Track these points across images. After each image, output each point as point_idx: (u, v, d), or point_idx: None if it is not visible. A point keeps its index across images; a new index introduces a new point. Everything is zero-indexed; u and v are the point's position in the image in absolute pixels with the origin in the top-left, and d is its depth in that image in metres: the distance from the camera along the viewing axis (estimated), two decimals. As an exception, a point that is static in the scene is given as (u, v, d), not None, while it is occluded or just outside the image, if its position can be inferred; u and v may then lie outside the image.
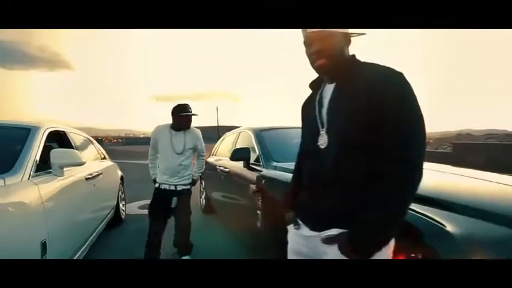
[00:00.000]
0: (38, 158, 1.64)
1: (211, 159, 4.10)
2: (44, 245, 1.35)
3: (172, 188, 2.25)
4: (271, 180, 1.85)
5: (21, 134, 1.73)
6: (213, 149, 4.41)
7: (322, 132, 0.87)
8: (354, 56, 0.89)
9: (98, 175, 2.57)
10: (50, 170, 1.70)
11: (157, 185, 2.30)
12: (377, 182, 0.73)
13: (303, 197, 0.95)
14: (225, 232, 3.18)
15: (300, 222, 0.95)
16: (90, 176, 2.33)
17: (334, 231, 0.81)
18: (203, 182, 4.36)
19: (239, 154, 2.27)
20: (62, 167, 1.74)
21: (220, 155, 3.70)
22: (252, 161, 2.30)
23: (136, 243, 2.06)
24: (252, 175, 2.14)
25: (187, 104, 2.25)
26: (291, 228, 1.01)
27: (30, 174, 1.48)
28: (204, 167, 2.54)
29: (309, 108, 0.97)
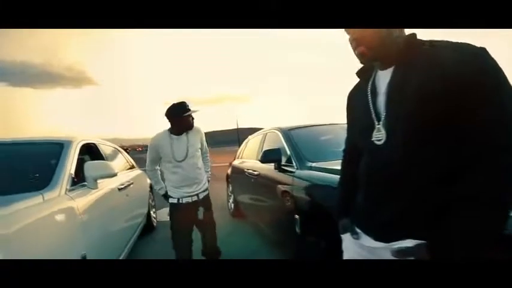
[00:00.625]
0: (72, 171, 1.65)
1: (236, 163, 4.04)
2: (84, 259, 1.34)
3: (195, 198, 1.98)
4: (306, 181, 1.73)
5: (55, 149, 1.75)
6: (238, 152, 4.35)
7: (379, 126, 0.75)
8: (413, 35, 0.76)
9: (129, 185, 2.58)
10: (85, 183, 1.71)
11: (174, 200, 1.98)
12: (467, 179, 0.60)
13: (360, 202, 0.83)
14: (257, 237, 3.09)
15: (359, 231, 0.83)
16: (122, 186, 2.34)
17: (408, 243, 0.68)
18: (230, 185, 4.32)
19: (270, 156, 2.17)
20: (95, 180, 1.75)
21: (247, 157, 3.62)
22: (283, 162, 2.19)
23: (170, 249, 2.00)
24: (284, 177, 2.04)
25: (184, 102, 1.93)
26: (346, 237, 0.89)
27: (66, 189, 1.49)
28: (209, 167, 2.25)
29: (358, 100, 0.85)
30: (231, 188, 4.28)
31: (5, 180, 1.55)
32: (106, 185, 1.99)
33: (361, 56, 0.77)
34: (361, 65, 0.84)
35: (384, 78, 0.77)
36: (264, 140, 2.98)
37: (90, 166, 1.73)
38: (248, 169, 3.03)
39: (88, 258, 1.37)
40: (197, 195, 1.99)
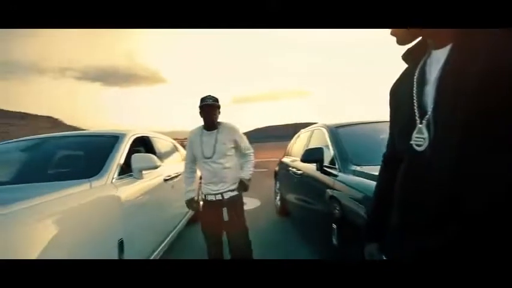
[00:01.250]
0: (122, 162, 1.80)
1: (285, 159, 3.93)
2: (121, 245, 1.45)
3: (219, 197, 1.89)
4: (349, 187, 1.53)
5: (111, 141, 1.95)
6: (287, 148, 4.23)
7: (421, 125, 0.57)
8: None
9: (176, 176, 2.74)
10: (132, 174, 1.85)
11: (202, 196, 1.99)
12: None
13: (394, 224, 0.66)
14: (298, 241, 2.96)
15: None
16: (168, 178, 2.49)
17: None
18: (277, 182, 4.25)
19: (311, 155, 2.01)
20: (140, 171, 1.88)
21: (294, 154, 3.48)
22: (326, 163, 2.01)
23: None
24: (326, 179, 1.86)
25: (208, 95, 1.90)
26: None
27: (113, 178, 1.63)
28: (251, 167, 2.05)
29: (401, 92, 0.66)
30: (278, 185, 4.20)
31: (62, 168, 1.79)
32: (153, 176, 2.14)
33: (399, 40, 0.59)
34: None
35: (437, 60, 0.58)
36: (311, 137, 2.80)
37: (136, 158, 1.87)
38: (293, 167, 2.90)
39: (125, 244, 1.48)
40: (221, 194, 1.90)
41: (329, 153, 2.02)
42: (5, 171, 1.84)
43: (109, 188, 1.53)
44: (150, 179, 2.09)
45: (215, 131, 1.92)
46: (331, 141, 2.10)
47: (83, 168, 1.78)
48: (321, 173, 1.99)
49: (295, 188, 2.77)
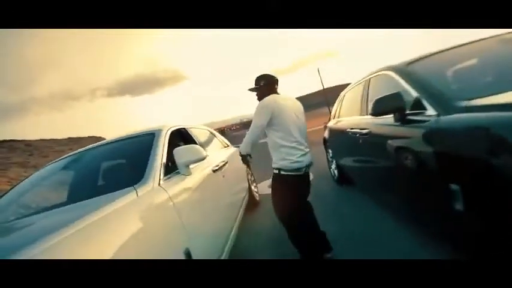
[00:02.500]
0: (164, 160, 1.56)
1: (334, 123, 3.48)
2: (188, 254, 1.22)
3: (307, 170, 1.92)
4: (460, 129, 1.10)
5: (148, 140, 1.71)
6: (333, 112, 3.76)
7: None
8: None
9: (224, 164, 2.49)
10: (178, 171, 1.61)
11: (292, 173, 1.79)
12: None
13: None
14: (379, 210, 2.57)
15: None
16: (217, 168, 2.24)
17: None
18: (329, 150, 3.83)
19: (388, 104, 1.57)
20: (187, 165, 1.64)
21: (346, 115, 3.01)
22: (408, 110, 1.55)
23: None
24: (413, 130, 1.43)
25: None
26: None
27: (160, 179, 1.39)
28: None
29: None
30: (331, 152, 3.79)
31: (105, 179, 1.60)
32: (199, 169, 1.89)
33: None
34: None
35: None
36: (368, 89, 2.32)
37: (180, 152, 1.61)
38: (352, 128, 2.46)
39: (192, 252, 1.25)
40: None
41: (407, 99, 1.56)
42: (51, 193, 1.73)
43: (157, 192, 1.29)
44: (199, 173, 1.83)
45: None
46: (408, 82, 1.62)
47: (126, 175, 1.57)
48: (403, 124, 1.55)
49: (360, 150, 2.35)
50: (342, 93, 3.49)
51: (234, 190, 2.68)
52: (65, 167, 1.93)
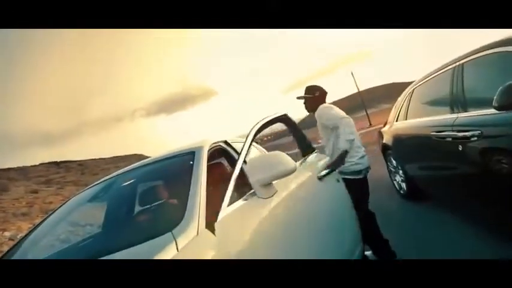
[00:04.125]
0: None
1: (397, 127, 2.90)
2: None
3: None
4: None
5: (186, 162, 1.35)
6: (394, 113, 3.16)
7: None
8: None
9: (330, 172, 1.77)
10: (249, 195, 1.16)
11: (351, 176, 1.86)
12: None
13: None
14: (467, 231, 1.93)
15: None
16: (325, 172, 1.66)
17: None
18: (393, 159, 3.21)
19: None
20: (269, 183, 1.15)
21: (422, 114, 2.40)
22: None
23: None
24: None
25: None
26: None
27: (211, 220, 0.99)
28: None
29: None
30: (395, 162, 3.16)
31: (136, 219, 1.26)
32: (286, 186, 1.33)
33: None
34: None
35: None
36: (463, 77, 1.75)
37: (254, 165, 1.15)
38: (441, 130, 1.89)
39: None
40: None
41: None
42: (81, 229, 1.46)
43: (205, 240, 0.89)
44: (282, 193, 1.27)
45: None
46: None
47: (163, 210, 1.23)
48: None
49: (456, 159, 1.77)
50: (406, 90, 2.89)
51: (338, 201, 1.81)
52: (98, 195, 1.66)
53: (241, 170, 1.18)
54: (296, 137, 1.92)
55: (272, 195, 1.13)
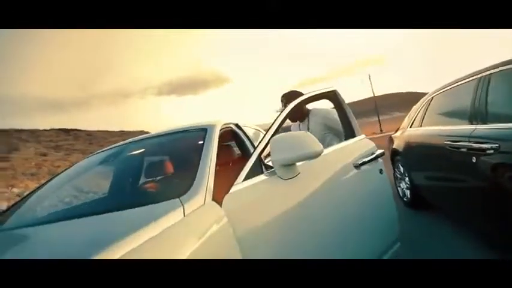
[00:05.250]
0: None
1: (410, 134, 2.85)
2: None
3: None
4: None
5: (198, 137, 1.36)
6: (408, 119, 3.11)
7: None
8: None
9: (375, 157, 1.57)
10: (268, 173, 1.11)
11: None
12: None
13: None
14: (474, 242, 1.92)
15: None
16: (363, 160, 1.44)
17: None
18: (400, 165, 3.18)
19: None
20: (293, 163, 1.09)
21: (439, 122, 2.36)
22: None
23: None
24: None
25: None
26: None
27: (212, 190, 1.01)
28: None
29: None
30: (402, 169, 3.13)
31: (147, 179, 1.28)
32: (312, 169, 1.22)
33: None
34: None
35: None
36: (488, 89, 1.70)
37: (279, 142, 1.07)
38: (456, 140, 1.85)
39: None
40: None
41: None
42: (91, 187, 1.49)
43: (211, 210, 0.91)
44: (306, 176, 1.17)
45: (306, 119, 2.01)
46: None
47: (171, 178, 1.25)
48: None
49: (468, 171, 1.74)
50: (425, 97, 2.84)
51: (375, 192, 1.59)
52: (106, 161, 1.69)
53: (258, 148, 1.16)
54: (342, 117, 1.68)
55: (293, 177, 1.09)
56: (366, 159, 1.47)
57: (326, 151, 1.31)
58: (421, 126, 2.70)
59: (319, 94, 1.56)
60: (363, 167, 1.43)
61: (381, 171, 1.56)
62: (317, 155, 1.08)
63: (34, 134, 20.46)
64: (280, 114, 1.29)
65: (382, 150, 1.66)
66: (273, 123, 1.25)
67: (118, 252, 0.64)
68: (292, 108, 1.40)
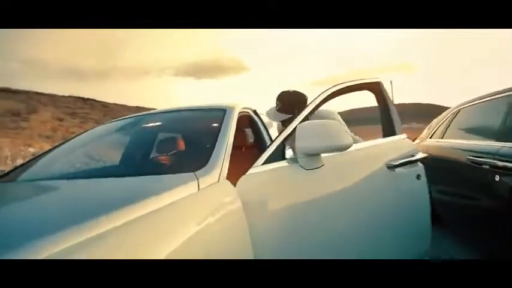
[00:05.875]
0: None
1: (431, 143, 2.76)
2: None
3: None
4: None
5: (216, 117, 1.35)
6: (430, 130, 3.00)
7: None
8: None
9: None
10: (290, 160, 1.06)
11: None
12: None
13: None
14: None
15: None
16: (399, 162, 1.31)
17: None
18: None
19: None
20: (318, 154, 1.03)
21: (463, 136, 2.26)
22: None
23: None
24: None
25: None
26: None
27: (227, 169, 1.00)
28: None
29: None
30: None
31: (161, 153, 1.28)
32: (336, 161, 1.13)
33: None
34: None
35: None
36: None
37: (306, 129, 1.01)
38: (480, 156, 1.77)
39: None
40: None
41: None
42: (104, 153, 1.51)
43: (227, 189, 0.90)
44: (331, 169, 1.10)
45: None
46: None
47: (185, 154, 1.24)
48: None
49: (482, 189, 1.68)
50: (451, 109, 2.72)
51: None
52: (121, 130, 1.70)
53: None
54: (383, 112, 1.54)
55: (316, 168, 1.03)
56: (403, 161, 1.33)
57: (357, 146, 1.23)
58: (442, 138, 2.61)
59: (362, 84, 1.42)
60: (397, 169, 1.29)
61: (418, 176, 1.39)
62: (345, 148, 1.01)
63: (53, 99, 21.05)
64: (314, 99, 1.20)
65: (426, 155, 1.50)
66: (307, 106, 1.20)
67: (130, 215, 0.63)
68: (297, 103, 1.34)
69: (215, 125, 1.26)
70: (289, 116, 1.52)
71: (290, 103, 1.58)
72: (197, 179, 0.84)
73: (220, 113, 1.37)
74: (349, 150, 1.07)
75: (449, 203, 2.30)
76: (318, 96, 1.25)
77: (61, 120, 14.98)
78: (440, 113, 2.97)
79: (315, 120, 1.06)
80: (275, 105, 1.67)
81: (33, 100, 16.95)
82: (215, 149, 1.04)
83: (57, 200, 0.85)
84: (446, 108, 2.99)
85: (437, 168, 2.50)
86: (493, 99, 1.98)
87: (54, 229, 0.53)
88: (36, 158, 1.50)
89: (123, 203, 0.65)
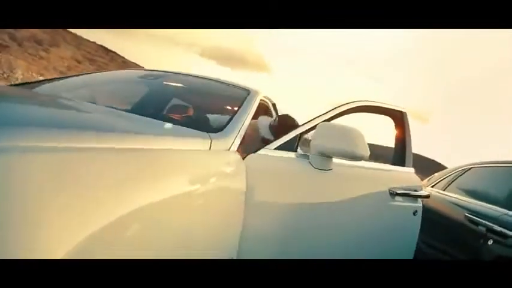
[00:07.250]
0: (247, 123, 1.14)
1: (431, 192, 2.73)
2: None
3: None
4: None
5: (240, 95, 1.34)
6: (433, 180, 2.97)
7: None
8: None
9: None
10: (301, 154, 1.07)
11: None
12: None
13: None
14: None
15: None
16: (401, 192, 1.32)
17: None
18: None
19: None
20: (327, 155, 1.03)
21: (466, 194, 2.24)
22: None
23: None
24: None
25: None
26: None
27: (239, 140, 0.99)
28: None
29: None
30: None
31: (178, 112, 1.27)
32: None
33: None
34: None
35: None
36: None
37: (325, 129, 1.02)
38: (479, 216, 1.75)
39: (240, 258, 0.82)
40: None
41: None
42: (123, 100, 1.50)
43: (235, 160, 0.88)
44: (336, 179, 1.12)
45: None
46: None
47: (202, 117, 1.23)
48: None
49: (472, 249, 1.66)
50: (462, 165, 2.70)
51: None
52: (142, 79, 1.69)
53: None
54: (398, 142, 1.52)
55: (323, 170, 1.03)
56: (405, 192, 1.34)
57: (366, 163, 1.23)
58: (444, 190, 2.58)
59: (386, 108, 1.41)
60: (397, 198, 1.30)
61: (415, 212, 1.39)
62: (360, 158, 1.00)
63: (77, 40, 21.06)
64: (335, 108, 1.21)
65: (428, 193, 1.52)
66: (330, 110, 1.19)
67: (135, 143, 0.60)
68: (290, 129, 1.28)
69: (237, 101, 1.25)
70: (272, 137, 1.43)
71: (286, 128, 1.55)
72: (211, 139, 0.82)
73: (244, 93, 1.37)
74: (358, 165, 1.08)
75: (436, 252, 2.27)
76: (340, 106, 1.24)
77: (79, 62, 15.02)
78: (437, 170, 3.00)
79: (338, 123, 1.05)
80: (272, 119, 1.62)
81: (59, 35, 16.99)
82: (232, 121, 1.04)
83: (68, 111, 0.83)
84: (445, 167, 3.00)
85: (432, 218, 2.48)
86: (508, 166, 1.97)
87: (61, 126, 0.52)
88: (50, 80, 1.49)
89: (134, 131, 0.64)
